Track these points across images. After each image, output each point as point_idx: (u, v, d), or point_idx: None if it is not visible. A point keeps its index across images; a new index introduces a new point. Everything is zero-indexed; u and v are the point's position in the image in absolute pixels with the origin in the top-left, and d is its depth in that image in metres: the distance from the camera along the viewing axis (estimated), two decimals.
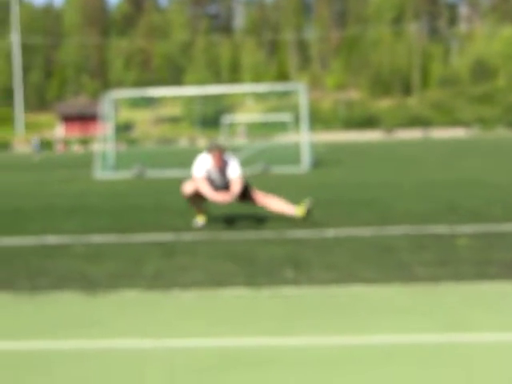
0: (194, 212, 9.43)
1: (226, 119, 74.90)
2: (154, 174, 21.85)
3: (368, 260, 6.41)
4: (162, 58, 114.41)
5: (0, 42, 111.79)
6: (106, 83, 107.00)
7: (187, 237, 8.12)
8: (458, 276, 5.68)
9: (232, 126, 73.02)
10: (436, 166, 22.30)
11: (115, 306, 5.12)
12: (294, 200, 10.21)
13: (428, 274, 5.77)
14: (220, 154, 8.82)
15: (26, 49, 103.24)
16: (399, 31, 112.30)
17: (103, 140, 26.69)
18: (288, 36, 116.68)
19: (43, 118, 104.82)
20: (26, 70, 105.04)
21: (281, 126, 74.98)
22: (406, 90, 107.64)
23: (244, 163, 24.09)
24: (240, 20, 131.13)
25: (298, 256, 6.70)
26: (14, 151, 78.40)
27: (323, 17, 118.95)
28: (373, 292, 5.26)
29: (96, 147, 37.08)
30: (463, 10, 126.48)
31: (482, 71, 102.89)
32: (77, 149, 76.09)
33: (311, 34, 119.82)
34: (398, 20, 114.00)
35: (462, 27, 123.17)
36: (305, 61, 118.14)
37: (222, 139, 69.75)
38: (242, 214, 9.87)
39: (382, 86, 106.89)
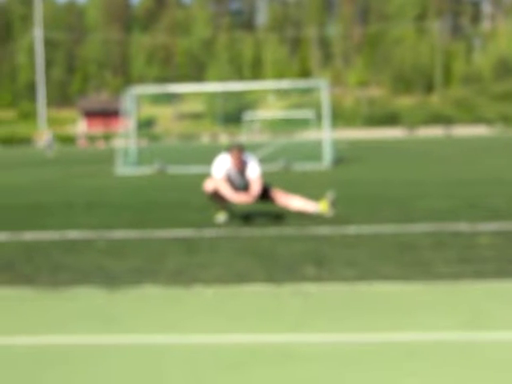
0: (215, 208, 9.45)
1: (248, 116, 74.92)
2: (175, 170, 21.91)
3: (389, 257, 6.39)
4: (184, 54, 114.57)
5: (23, 38, 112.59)
6: (128, 79, 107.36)
7: (208, 233, 8.14)
8: (479, 274, 5.65)
9: (254, 122, 73.00)
10: (458, 163, 22.15)
11: (136, 301, 5.14)
12: (316, 197, 10.19)
13: (449, 271, 5.75)
14: (239, 154, 8.82)
15: (49, 44, 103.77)
16: (422, 29, 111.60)
17: (125, 136, 26.79)
18: (310, 33, 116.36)
19: (65, 113, 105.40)
20: (49, 65, 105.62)
21: (302, 123, 74.87)
22: (428, 87, 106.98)
23: (265, 160, 24.09)
24: (262, 16, 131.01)
25: (319, 253, 6.69)
26: (36, 146, 78.91)
27: (346, 14, 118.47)
28: (394, 289, 5.24)
29: (118, 143, 37.24)
30: (486, 8, 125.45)
31: (505, 69, 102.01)
32: (99, 144, 76.46)
33: (334, 30, 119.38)
34: (420, 17, 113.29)
35: (485, 25, 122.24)
36: (327, 58, 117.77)
37: (244, 136, 69.72)
38: (264, 210, 9.87)
39: (404, 83, 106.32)
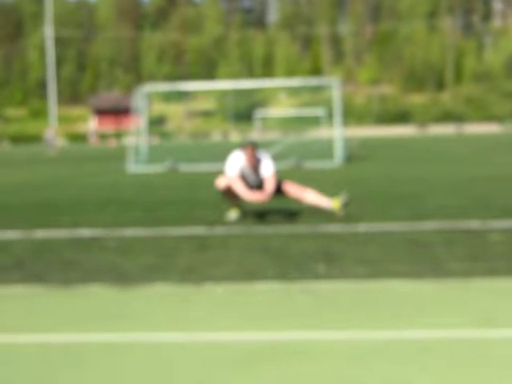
0: (227, 206, 9.46)
1: (259, 113, 74.91)
2: (186, 167, 21.94)
3: (400, 255, 6.38)
4: (195, 51, 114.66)
5: (34, 35, 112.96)
6: (138, 77, 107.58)
7: (220, 230, 8.14)
8: (490, 271, 5.63)
9: (258, 120, 73.06)
10: (469, 161, 22.08)
11: (147, 299, 5.15)
12: (327, 195, 10.17)
13: (460, 269, 5.73)
14: (253, 152, 8.79)
15: (60, 42, 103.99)
16: (433, 26, 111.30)
17: (136, 133, 26.86)
18: (322, 30, 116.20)
19: (76, 111, 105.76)
20: (60, 63, 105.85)
21: (314, 121, 74.82)
22: (440, 85, 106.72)
23: (276, 158, 24.08)
24: (274, 14, 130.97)
25: (330, 250, 6.69)
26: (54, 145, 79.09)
27: (357, 11, 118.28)
28: (405, 287, 5.23)
29: (129, 141, 37.32)
30: (497, 6, 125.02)
31: None
32: (110, 142, 76.67)
33: (345, 28, 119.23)
34: (431, 15, 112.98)
35: (496, 23, 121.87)
36: (338, 55, 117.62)
37: (255, 133, 69.74)
38: (275, 208, 9.87)
39: (415, 81, 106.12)
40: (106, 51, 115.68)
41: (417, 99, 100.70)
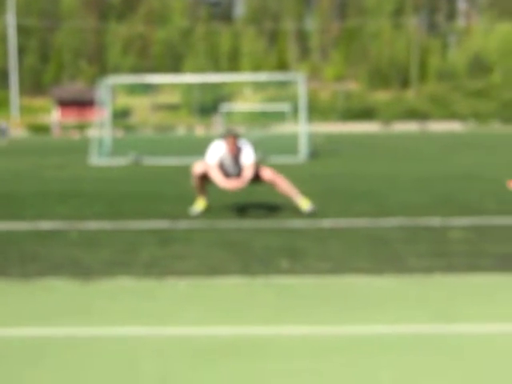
0: (191, 199, 9.43)
1: (225, 108, 74.82)
2: (150, 161, 21.83)
3: (363, 251, 6.43)
4: (161, 44, 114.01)
5: None
6: (103, 69, 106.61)
7: (183, 225, 8.12)
8: (450, 268, 5.70)
9: (230, 114, 72.97)
10: (432, 159, 22.32)
11: (109, 293, 5.12)
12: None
13: (421, 265, 5.80)
14: (234, 141, 8.81)
15: (22, 31, 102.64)
16: (398, 24, 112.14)
17: (100, 126, 26.63)
18: (288, 26, 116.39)
19: (39, 102, 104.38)
20: (22, 52, 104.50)
21: (279, 116, 74.99)
22: (404, 82, 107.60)
23: None
24: (240, 8, 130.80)
25: (293, 246, 6.71)
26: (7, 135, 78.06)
27: (324, 8, 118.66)
28: (367, 282, 5.28)
29: (92, 133, 37.01)
30: (462, 5, 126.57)
31: (479, 66, 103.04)
32: (73, 134, 75.93)
33: (311, 24, 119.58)
34: (397, 13, 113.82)
35: (460, 22, 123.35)
36: (304, 51, 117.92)
37: (220, 127, 69.61)
38: (239, 202, 9.88)
39: (380, 78, 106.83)
40: (70, 42, 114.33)
41: (382, 96, 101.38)
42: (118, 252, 6.49)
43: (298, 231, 7.65)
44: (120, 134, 64.74)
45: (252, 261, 6.05)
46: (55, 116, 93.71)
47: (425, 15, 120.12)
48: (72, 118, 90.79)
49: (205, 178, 8.98)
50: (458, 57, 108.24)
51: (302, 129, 23.61)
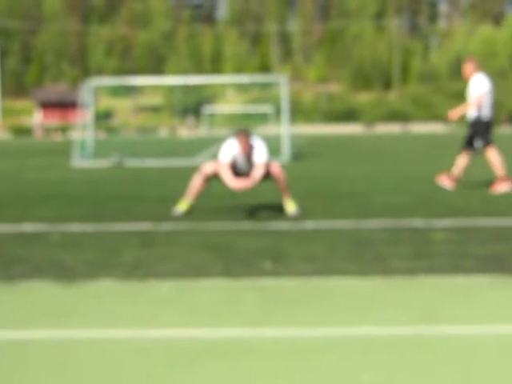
0: (174, 200, 9.40)
1: (207, 109, 74.74)
2: (133, 162, 21.76)
3: (346, 252, 6.43)
4: (144, 46, 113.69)
5: None
6: (86, 70, 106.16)
7: (166, 226, 8.10)
8: (433, 269, 5.72)
9: (213, 116, 72.81)
10: (414, 160, 22.41)
11: (92, 295, 5.09)
12: (274, 192, 10.19)
13: (404, 266, 5.81)
14: (246, 139, 8.74)
15: (4, 33, 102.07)
16: (381, 26, 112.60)
17: (82, 128, 26.52)
18: (271, 28, 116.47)
19: (21, 104, 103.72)
20: (4, 54, 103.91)
21: (262, 118, 75.01)
22: (387, 84, 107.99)
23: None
24: (223, 10, 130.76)
25: (276, 247, 6.71)
26: None
27: (306, 10, 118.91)
28: (350, 284, 5.28)
29: (75, 135, 36.84)
30: (443, 8, 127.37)
31: (461, 68, 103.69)
32: (55, 136, 75.53)
33: (294, 26, 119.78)
34: (379, 15, 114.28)
35: (442, 24, 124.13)
36: (287, 53, 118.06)
37: (203, 129, 69.55)
38: (221, 204, 9.86)
39: (362, 80, 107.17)
40: (52, 44, 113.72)
41: (364, 98, 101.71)
42: (101, 254, 6.46)
43: (281, 233, 7.65)
44: (102, 135, 64.49)
45: (235, 263, 6.04)
46: (37, 118, 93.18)
47: (407, 17, 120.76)
48: (54, 119, 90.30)
49: (210, 179, 8.94)
50: (439, 59, 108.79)
51: (285, 130, 23.63)
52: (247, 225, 8.16)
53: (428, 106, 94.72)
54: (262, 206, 9.54)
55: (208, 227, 8.04)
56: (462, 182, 12.80)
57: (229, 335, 4.10)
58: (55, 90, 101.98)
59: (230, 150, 8.83)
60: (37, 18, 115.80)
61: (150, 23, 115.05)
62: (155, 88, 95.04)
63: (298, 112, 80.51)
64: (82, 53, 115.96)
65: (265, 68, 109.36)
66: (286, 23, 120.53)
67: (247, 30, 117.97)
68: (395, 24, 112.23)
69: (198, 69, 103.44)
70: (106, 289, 5.22)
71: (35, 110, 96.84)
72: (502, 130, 75.06)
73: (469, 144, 12.64)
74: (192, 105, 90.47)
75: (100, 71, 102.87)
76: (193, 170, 18.47)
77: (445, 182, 12.45)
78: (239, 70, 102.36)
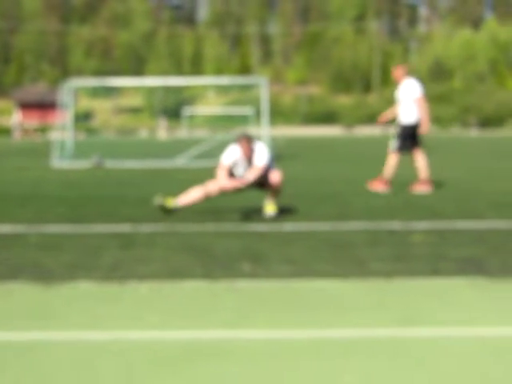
0: (166, 197, 9.39)
1: (187, 111, 74.64)
2: (113, 164, 21.67)
3: (325, 255, 6.45)
4: (124, 47, 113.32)
5: None
6: (65, 71, 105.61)
7: (145, 228, 8.08)
8: (412, 271, 5.75)
9: (193, 117, 72.72)
10: None
11: (70, 297, 5.07)
12: (254, 194, 10.19)
13: (383, 269, 5.84)
14: (248, 144, 8.73)
15: None
16: (361, 29, 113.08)
17: (62, 128, 26.36)
18: (251, 30, 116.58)
19: (0, 104, 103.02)
20: None
21: (242, 120, 75.01)
22: (367, 87, 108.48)
23: (204, 156, 24.06)
24: (203, 12, 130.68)
25: (255, 249, 6.72)
26: None
27: (286, 12, 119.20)
28: (329, 286, 5.30)
29: (54, 136, 36.64)
30: (423, 11, 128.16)
31: (440, 71, 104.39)
32: (34, 137, 75.04)
33: (274, 28, 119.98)
34: (359, 18, 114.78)
35: (422, 28, 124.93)
36: (267, 55, 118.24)
37: (183, 131, 69.44)
38: (200, 206, 9.85)
39: (342, 82, 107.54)
40: (31, 44, 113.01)
41: (344, 100, 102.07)
42: (80, 256, 6.43)
43: (260, 235, 7.66)
44: (82, 136, 64.18)
45: (214, 264, 6.04)
46: (16, 118, 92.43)
47: (387, 20, 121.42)
48: (34, 120, 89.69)
49: (221, 193, 8.95)
50: (419, 62, 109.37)
51: (265, 132, 23.64)
52: (227, 226, 8.17)
53: None
54: (242, 208, 9.54)
55: (187, 229, 8.03)
56: (440, 185, 12.89)
57: (208, 337, 4.11)
58: (34, 90, 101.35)
59: (233, 154, 8.84)
60: (16, 17, 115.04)
61: (130, 24, 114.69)
62: (135, 89, 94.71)
63: (278, 114, 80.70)
64: (61, 53, 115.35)
65: (245, 70, 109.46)
66: (266, 25, 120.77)
67: (227, 32, 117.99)
68: (375, 27, 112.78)
69: (179, 70, 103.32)
70: (85, 290, 5.20)
71: (14, 111, 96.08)
72: (472, 133, 75.61)
73: (399, 145, 13.13)
74: (172, 106, 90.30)
75: (80, 72, 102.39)
76: (172, 171, 18.44)
77: (378, 187, 12.62)
78: (219, 71, 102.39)
